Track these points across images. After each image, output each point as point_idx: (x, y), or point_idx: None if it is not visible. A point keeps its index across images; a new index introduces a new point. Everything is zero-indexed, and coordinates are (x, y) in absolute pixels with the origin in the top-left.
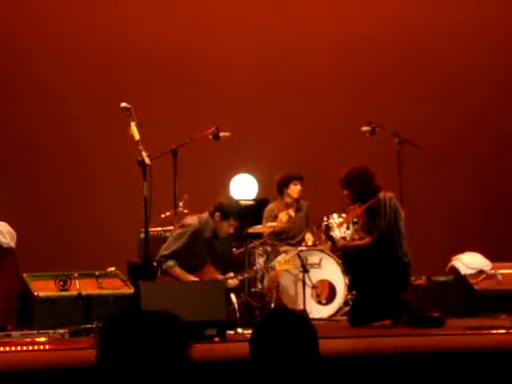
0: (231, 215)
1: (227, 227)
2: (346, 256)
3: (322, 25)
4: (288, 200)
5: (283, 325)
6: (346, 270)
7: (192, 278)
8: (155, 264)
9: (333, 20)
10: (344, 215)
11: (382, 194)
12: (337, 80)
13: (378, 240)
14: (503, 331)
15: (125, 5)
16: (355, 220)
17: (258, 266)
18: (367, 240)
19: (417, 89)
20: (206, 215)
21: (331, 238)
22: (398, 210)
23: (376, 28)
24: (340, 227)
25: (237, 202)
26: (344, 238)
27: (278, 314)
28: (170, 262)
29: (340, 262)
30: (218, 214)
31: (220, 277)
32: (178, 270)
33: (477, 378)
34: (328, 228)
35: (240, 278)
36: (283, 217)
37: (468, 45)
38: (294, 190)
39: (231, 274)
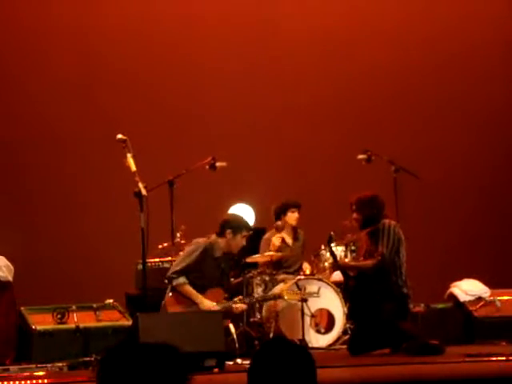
0: (243, 227)
1: (241, 240)
2: (346, 282)
3: (319, 55)
4: (278, 223)
5: (281, 354)
6: (345, 298)
7: (201, 297)
8: (166, 281)
9: (330, 49)
10: (341, 245)
11: (387, 221)
12: (333, 109)
13: (380, 264)
14: (503, 358)
15: (120, 34)
16: (353, 248)
17: (257, 295)
18: (369, 261)
19: (413, 117)
20: (213, 236)
21: (332, 253)
22: (401, 239)
23: (371, 57)
24: (340, 245)
25: (237, 214)
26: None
27: (276, 343)
28: (182, 279)
29: (338, 290)
30: (228, 231)
31: (226, 302)
32: (189, 288)
33: None
34: (330, 241)
35: (247, 301)
36: (276, 240)
37: (466, 72)
38: (292, 217)
39: (240, 297)
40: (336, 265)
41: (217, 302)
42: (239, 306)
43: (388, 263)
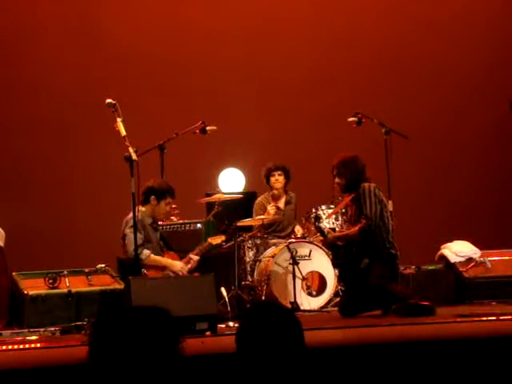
0: (166, 193)
1: (165, 207)
2: (335, 250)
3: (308, 17)
4: (275, 192)
5: (268, 318)
6: (334, 265)
7: (170, 260)
8: (134, 262)
9: (319, 12)
10: (332, 206)
11: (366, 184)
12: (323, 72)
13: (366, 228)
14: (493, 318)
15: (111, 2)
16: (344, 211)
17: (248, 259)
18: (356, 228)
19: (404, 79)
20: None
21: (321, 230)
22: (383, 201)
23: (362, 19)
24: (329, 218)
25: (161, 181)
26: (333, 229)
27: (263, 307)
28: (146, 251)
29: (329, 253)
30: (152, 197)
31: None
32: (155, 257)
33: (468, 365)
34: (317, 219)
35: (198, 251)
36: (271, 209)
37: (456, 33)
38: (273, 181)
39: (190, 254)
40: (325, 241)
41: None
42: (193, 257)
43: (374, 225)
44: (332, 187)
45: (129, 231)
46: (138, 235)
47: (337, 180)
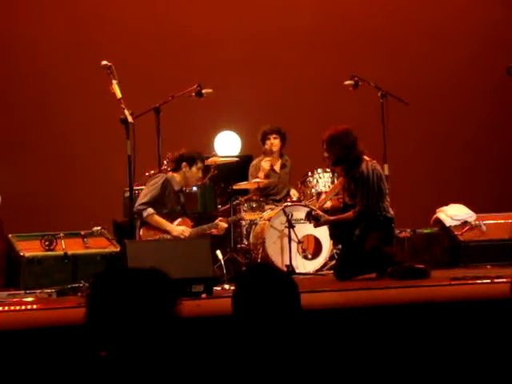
0: (197, 159)
1: (197, 172)
2: (331, 232)
3: None
4: (266, 147)
5: (264, 280)
6: (331, 236)
7: (171, 225)
8: (135, 216)
9: None
10: (328, 170)
11: (364, 166)
12: (320, 34)
13: (361, 213)
14: (488, 281)
15: None
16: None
17: (244, 223)
18: (351, 214)
19: (401, 42)
20: (170, 172)
21: (314, 219)
22: (382, 177)
23: None
24: (323, 202)
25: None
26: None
27: (259, 269)
28: (150, 210)
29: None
30: (184, 163)
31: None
32: (158, 218)
33: (462, 328)
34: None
35: (228, 220)
36: (265, 164)
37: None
38: (269, 144)
39: (220, 218)
40: (318, 225)
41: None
42: (220, 224)
43: (371, 208)
44: (323, 159)
45: (146, 189)
46: (154, 191)
47: (325, 154)
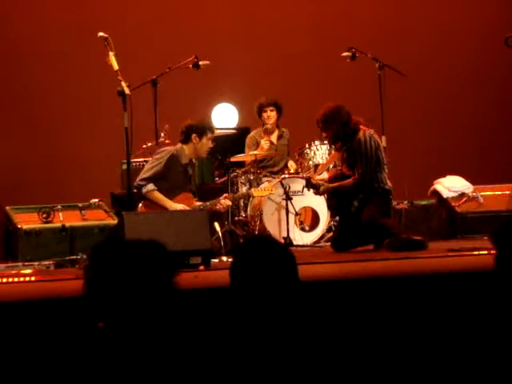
0: (207, 129)
1: (207, 142)
2: (329, 203)
3: None
4: (268, 127)
5: (262, 252)
6: (329, 206)
7: (171, 202)
8: (135, 190)
9: None
10: (326, 142)
11: (361, 134)
12: (318, 5)
13: (359, 182)
14: (485, 252)
15: None
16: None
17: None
18: (350, 181)
19: (398, 13)
20: (179, 144)
21: (313, 187)
22: (379, 147)
23: None
24: (320, 172)
25: (199, 119)
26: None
27: (257, 241)
28: (151, 186)
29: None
30: (194, 135)
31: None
32: (158, 194)
33: (459, 299)
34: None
35: (232, 197)
36: (264, 144)
37: None
38: (265, 117)
39: (225, 195)
40: (317, 193)
41: (189, 206)
42: (223, 202)
43: (369, 178)
44: (320, 135)
45: (149, 164)
46: (157, 167)
47: (323, 134)
